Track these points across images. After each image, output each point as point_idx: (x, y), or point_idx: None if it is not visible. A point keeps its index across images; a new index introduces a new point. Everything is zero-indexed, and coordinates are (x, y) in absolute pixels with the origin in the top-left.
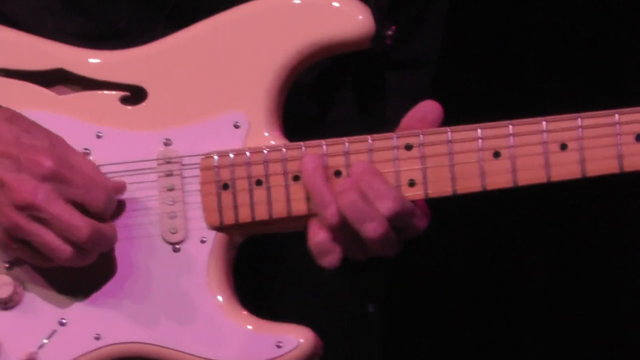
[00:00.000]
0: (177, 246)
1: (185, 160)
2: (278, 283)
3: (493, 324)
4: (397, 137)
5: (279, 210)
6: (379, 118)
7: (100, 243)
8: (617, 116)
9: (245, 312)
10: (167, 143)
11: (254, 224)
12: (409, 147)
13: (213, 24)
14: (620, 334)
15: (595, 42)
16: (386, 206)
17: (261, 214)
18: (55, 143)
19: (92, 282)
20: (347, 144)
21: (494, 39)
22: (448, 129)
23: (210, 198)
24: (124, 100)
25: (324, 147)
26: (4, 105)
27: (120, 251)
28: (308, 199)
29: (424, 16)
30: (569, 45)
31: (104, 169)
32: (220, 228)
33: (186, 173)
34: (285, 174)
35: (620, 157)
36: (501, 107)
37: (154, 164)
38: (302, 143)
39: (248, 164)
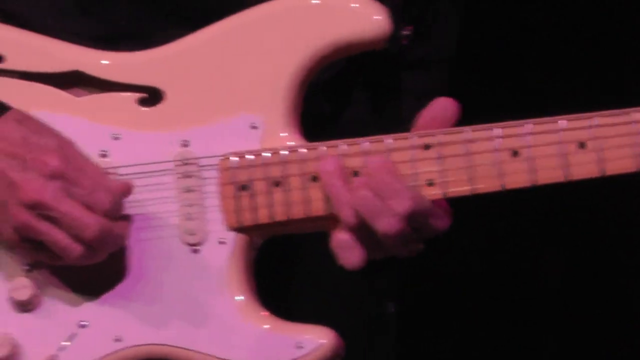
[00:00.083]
0: (196, 247)
1: (203, 162)
2: (295, 284)
3: (506, 324)
4: (416, 137)
5: (298, 211)
6: (394, 118)
7: (109, 241)
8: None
9: (265, 313)
10: (185, 144)
11: (273, 224)
12: (427, 147)
13: (229, 24)
14: (634, 334)
15: (597, 42)
16: (401, 205)
17: (280, 214)
18: (63, 144)
19: (112, 284)
20: (365, 143)
21: (508, 38)
22: (467, 128)
23: (229, 199)
24: (141, 102)
25: (343, 147)
26: (21, 107)
27: (138, 253)
28: (327, 199)
29: (439, 15)
30: (570, 45)
31: (121, 171)
32: (238, 229)
33: (204, 174)
34: (303, 174)
35: (637, 156)
36: (517, 107)
37: (171, 165)
38: (320, 143)
39: (266, 165)
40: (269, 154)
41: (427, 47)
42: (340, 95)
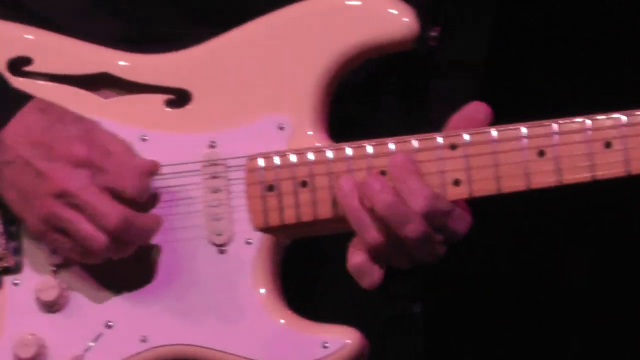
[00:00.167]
0: (222, 248)
1: (230, 162)
2: (320, 285)
3: (530, 324)
4: (442, 137)
5: (324, 211)
6: (423, 120)
7: (133, 233)
8: None
9: (290, 313)
10: (212, 145)
11: (299, 225)
12: (453, 147)
13: (257, 26)
14: None
15: (597, 42)
16: (418, 204)
17: (306, 215)
18: (87, 130)
19: (138, 284)
20: (391, 144)
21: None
22: (492, 128)
23: (256, 199)
24: (169, 103)
25: (368, 147)
26: None
27: (165, 253)
28: None
29: (468, 16)
30: (571, 46)
31: None
32: (265, 229)
33: (231, 175)
34: (329, 174)
35: None
36: (545, 111)
37: (198, 166)
38: (346, 144)
39: (293, 165)
40: (295, 155)
41: (456, 50)
42: (370, 98)
